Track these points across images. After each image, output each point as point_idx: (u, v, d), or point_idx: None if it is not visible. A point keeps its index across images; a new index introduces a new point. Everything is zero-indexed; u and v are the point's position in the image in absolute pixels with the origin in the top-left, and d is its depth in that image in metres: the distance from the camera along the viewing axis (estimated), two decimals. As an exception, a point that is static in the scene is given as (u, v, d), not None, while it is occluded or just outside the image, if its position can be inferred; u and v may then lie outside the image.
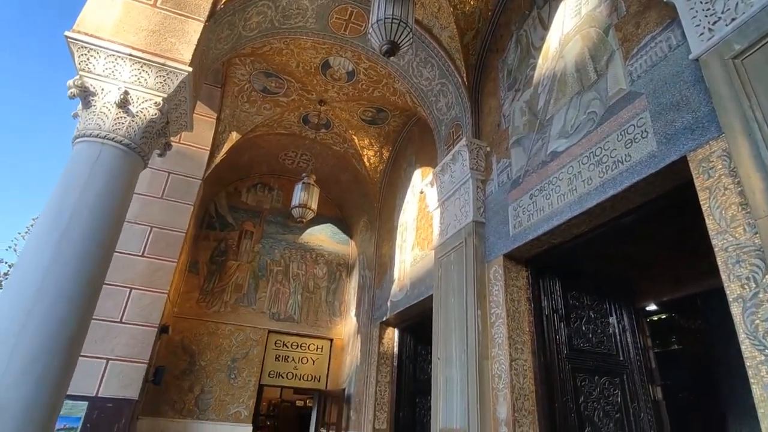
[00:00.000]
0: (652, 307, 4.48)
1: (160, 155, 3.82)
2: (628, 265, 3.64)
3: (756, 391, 1.71)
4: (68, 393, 3.42)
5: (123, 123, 3.17)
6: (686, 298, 3.91)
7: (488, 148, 4.16)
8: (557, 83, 3.39)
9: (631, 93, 2.65)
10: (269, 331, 7.04)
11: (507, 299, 3.42)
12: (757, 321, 1.76)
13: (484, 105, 4.48)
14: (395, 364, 5.74)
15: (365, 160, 7.09)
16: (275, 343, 7.09)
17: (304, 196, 5.64)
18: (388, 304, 5.80)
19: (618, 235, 3.16)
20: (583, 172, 2.89)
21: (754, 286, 1.80)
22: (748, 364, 1.75)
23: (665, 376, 3.60)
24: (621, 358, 3.41)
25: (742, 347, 1.78)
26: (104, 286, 2.89)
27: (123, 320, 4.82)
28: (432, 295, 4.40)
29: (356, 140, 6.91)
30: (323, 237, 8.10)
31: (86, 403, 4.42)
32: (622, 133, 2.65)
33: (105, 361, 4.61)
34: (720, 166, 2.04)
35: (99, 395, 4.47)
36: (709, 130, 2.13)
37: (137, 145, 3.20)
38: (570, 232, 3.09)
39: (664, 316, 7.31)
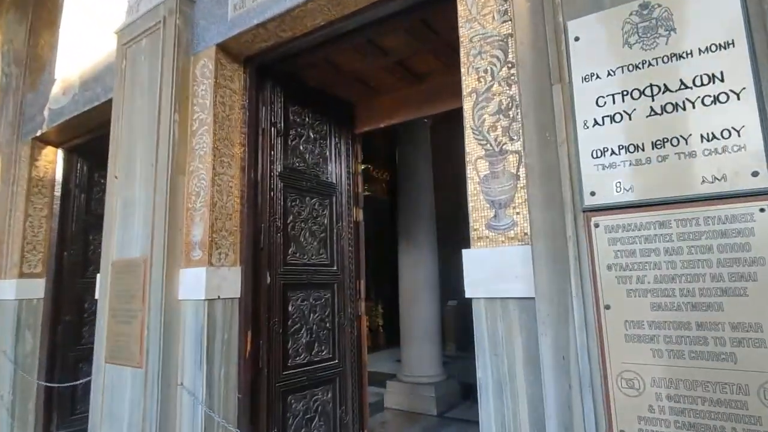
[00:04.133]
0: (366, 130, 4.54)
1: None
2: (354, 86, 3.41)
3: (471, 187, 1.65)
4: None
5: None
6: (402, 125, 4.19)
7: None
8: None
9: None
10: None
11: (216, 102, 2.68)
12: (485, 115, 1.64)
13: None
14: (58, 193, 4.31)
15: None
16: None
17: None
18: (46, 112, 4.12)
19: (352, 44, 2.78)
20: (331, -62, 2.24)
21: (489, 79, 1.66)
22: (467, 159, 1.66)
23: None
24: (333, 181, 3.30)
25: (466, 142, 1.67)
26: None
27: None
28: (112, 99, 3.21)
29: None
30: (-75, 3, 5.01)
31: None
32: None
33: None
34: (483, -57, 1.74)
35: None
36: None
37: None
38: (303, 23, 2.49)
39: (362, 167, 8.28)
